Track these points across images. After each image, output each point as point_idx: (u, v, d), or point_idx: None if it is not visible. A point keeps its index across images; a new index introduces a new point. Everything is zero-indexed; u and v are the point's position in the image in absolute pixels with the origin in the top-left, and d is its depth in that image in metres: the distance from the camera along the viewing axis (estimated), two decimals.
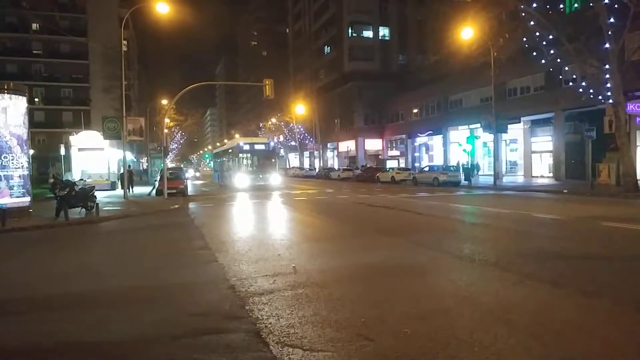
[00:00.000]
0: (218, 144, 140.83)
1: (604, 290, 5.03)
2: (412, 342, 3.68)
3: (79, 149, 25.87)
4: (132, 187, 24.55)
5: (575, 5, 23.41)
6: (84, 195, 13.66)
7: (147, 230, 11.59)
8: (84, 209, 13.66)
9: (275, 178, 27.66)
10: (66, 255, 8.47)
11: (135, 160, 44.62)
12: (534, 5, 19.58)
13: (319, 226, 11.55)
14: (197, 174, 64.36)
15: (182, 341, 3.94)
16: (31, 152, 17.00)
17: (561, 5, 22.85)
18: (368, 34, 58.17)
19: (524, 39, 21.12)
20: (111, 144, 26.02)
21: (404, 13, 56.97)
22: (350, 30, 57.31)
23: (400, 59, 58.59)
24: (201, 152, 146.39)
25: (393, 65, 57.82)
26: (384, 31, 58.47)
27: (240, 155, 27.65)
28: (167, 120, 33.65)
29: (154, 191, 23.02)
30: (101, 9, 51.07)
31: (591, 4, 18.43)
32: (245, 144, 27.87)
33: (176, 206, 17.09)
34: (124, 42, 22.30)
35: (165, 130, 29.12)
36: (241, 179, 26.80)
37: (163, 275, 6.41)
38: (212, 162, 46.37)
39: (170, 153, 55.10)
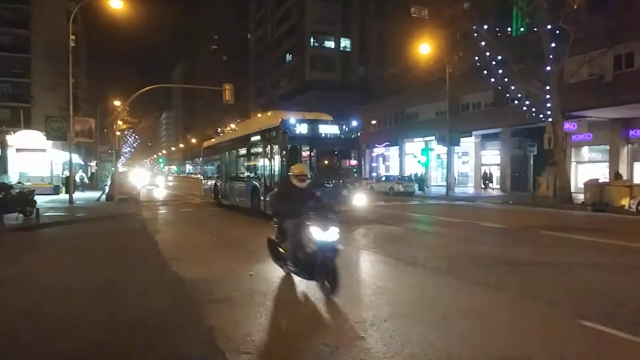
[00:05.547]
0: (173, 148, 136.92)
1: (542, 294, 5.42)
2: (368, 347, 3.80)
3: (17, 150, 24.26)
4: (81, 191, 23.34)
5: (522, 29, 24.98)
6: (22, 200, 12.83)
7: (93, 238, 11.07)
8: (21, 215, 12.84)
9: (360, 198, 13.21)
10: None
11: (83, 163, 42.43)
12: (485, 27, 20.77)
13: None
14: (158, 181, 46.76)
15: (135, 352, 3.83)
16: None
17: (509, 29, 24.39)
18: (330, 44, 59.06)
19: (476, 58, 22.28)
20: (55, 145, 24.64)
21: (365, 26, 58.35)
22: (312, 40, 57.94)
23: (361, 70, 59.84)
24: (155, 156, 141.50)
25: (353, 76, 58.91)
26: (345, 42, 59.58)
27: (289, 144, 12.37)
28: (119, 122, 32.29)
29: (104, 196, 22.05)
30: (47, 1, 48.33)
31: (535, 29, 19.79)
32: (301, 122, 12.71)
33: (128, 212, 16.46)
34: (72, 37, 21.23)
35: (118, 133, 28.01)
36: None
37: (111, 285, 6.15)
38: (204, 164, 24.18)
39: (122, 157, 52.91)
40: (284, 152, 12.19)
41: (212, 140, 25.17)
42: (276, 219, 6.11)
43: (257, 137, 14.59)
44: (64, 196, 22.62)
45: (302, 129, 12.57)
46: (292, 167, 6.16)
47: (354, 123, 13.35)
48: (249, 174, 15.61)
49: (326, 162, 13.54)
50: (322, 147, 13.21)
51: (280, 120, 12.50)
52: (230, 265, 7.25)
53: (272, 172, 13.11)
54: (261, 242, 10.02)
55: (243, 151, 16.46)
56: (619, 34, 17.73)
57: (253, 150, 15.28)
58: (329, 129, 13.03)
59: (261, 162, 14.13)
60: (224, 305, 5.01)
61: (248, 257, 8.08)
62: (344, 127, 13.19)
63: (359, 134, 13.44)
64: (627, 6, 17.26)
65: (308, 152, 13.39)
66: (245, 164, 16.26)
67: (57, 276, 6.78)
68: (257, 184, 14.12)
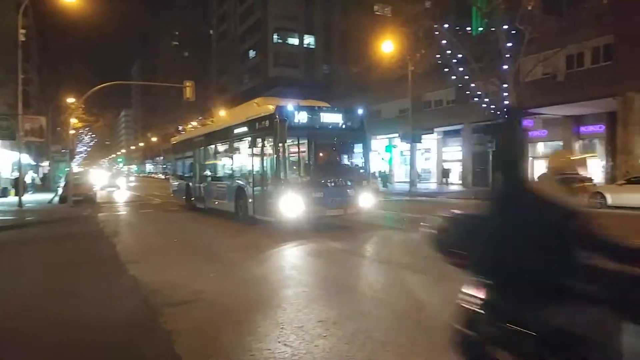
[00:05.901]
0: (132, 147, 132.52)
1: None
2: (330, 347, 3.74)
3: None
4: (32, 193, 22.10)
5: (480, 28, 25.74)
6: None
7: (44, 242, 10.47)
8: None
9: (367, 199, 11.17)
10: None
11: (34, 163, 40.26)
12: (446, 25, 21.25)
13: (241, 235, 11.31)
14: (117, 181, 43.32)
15: (91, 357, 3.61)
16: None
17: (469, 28, 25.07)
18: (293, 41, 58.83)
19: (437, 56, 22.76)
20: (3, 145, 23.24)
21: (329, 23, 58.48)
22: (275, 36, 57.54)
23: (325, 68, 59.96)
24: (113, 155, 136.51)
25: (317, 73, 58.93)
26: (309, 39, 59.51)
27: (288, 135, 10.42)
28: (74, 120, 30.80)
29: (57, 198, 21.00)
30: None
31: (493, 29, 20.43)
32: (301, 109, 10.93)
33: (83, 215, 15.72)
34: (22, 31, 20.00)
35: (72, 132, 26.73)
36: (289, 199, 10.10)
37: (62, 291, 5.82)
38: (173, 162, 21.01)
39: (77, 156, 50.61)
40: (281, 144, 10.07)
41: (183, 135, 22.88)
42: (493, 292, 2.21)
43: (243, 129, 12.34)
44: (13, 199, 21.37)
45: (302, 117, 10.59)
46: (557, 154, 2.59)
47: (360, 111, 11.49)
48: (232, 172, 13.33)
49: (330, 156, 11.54)
50: (325, 139, 11.21)
51: (275, 107, 10.50)
52: (193, 268, 7.02)
53: (264, 170, 11.00)
54: (231, 245, 9.85)
55: (224, 146, 14.08)
56: (570, 35, 18.55)
57: (237, 144, 12.98)
58: (332, 118, 11.17)
59: (249, 158, 11.88)
60: (184, 309, 4.84)
61: (212, 258, 7.87)
62: (349, 115, 11.34)
63: (364, 123, 11.52)
64: (578, 8, 18.08)
65: (309, 145, 11.08)
66: (228, 161, 13.92)
67: (5, 282, 6.33)
68: (244, 184, 12.02)
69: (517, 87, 19.96)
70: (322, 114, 11.03)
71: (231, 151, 13.55)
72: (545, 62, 20.75)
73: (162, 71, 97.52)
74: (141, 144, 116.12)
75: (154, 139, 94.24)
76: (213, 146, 15.18)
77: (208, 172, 15.50)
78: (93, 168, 71.32)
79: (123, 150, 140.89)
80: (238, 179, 12.61)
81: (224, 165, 14.32)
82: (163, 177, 70.79)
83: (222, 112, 40.96)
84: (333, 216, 10.85)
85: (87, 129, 55.77)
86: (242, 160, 12.71)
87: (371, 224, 11.62)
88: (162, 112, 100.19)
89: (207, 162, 15.83)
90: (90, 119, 50.59)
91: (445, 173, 32.59)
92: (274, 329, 4.15)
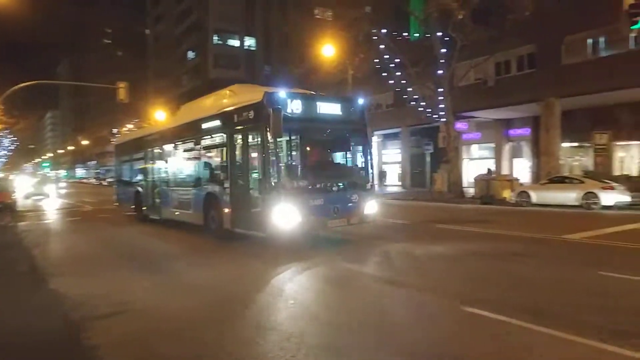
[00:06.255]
0: (61, 151, 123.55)
1: (436, 286, 5.68)
2: (264, 352, 3.65)
3: None
4: None
5: (417, 34, 26.79)
6: None
7: None
8: None
9: (371, 206, 9.20)
10: None
11: None
12: (384, 30, 21.87)
13: (180, 241, 10.84)
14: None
15: None
16: None
17: (406, 33, 26.00)
18: (234, 42, 58.05)
19: (376, 60, 23.35)
20: None
21: (269, 25, 58.27)
22: (215, 38, 56.46)
23: (266, 69, 59.61)
24: (39, 159, 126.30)
25: (259, 75, 58.40)
26: (250, 41, 58.97)
27: (283, 128, 7.99)
28: None
29: None
30: None
31: (428, 35, 21.32)
32: (294, 96, 8.65)
33: (0, 224, 14.28)
34: None
35: None
36: (282, 209, 7.93)
37: None
38: (118, 166, 17.44)
39: None
40: (273, 140, 7.96)
41: (131, 133, 20.17)
42: None
43: (216, 123, 10.12)
44: None
45: (296, 106, 8.42)
46: None
47: (361, 101, 9.63)
48: (200, 176, 10.85)
49: (329, 155, 9.81)
50: (323, 134, 9.31)
51: (264, 94, 8.33)
52: (122, 278, 6.57)
53: (248, 172, 9.00)
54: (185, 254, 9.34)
55: (189, 145, 11.59)
56: (497, 43, 19.80)
57: (208, 142, 10.65)
58: (331, 108, 9.16)
59: (225, 158, 9.80)
60: (110, 322, 4.50)
61: (147, 267, 7.42)
62: (350, 105, 9.46)
63: (365, 115, 9.73)
64: (503, 19, 19.33)
65: (304, 142, 8.89)
66: (194, 162, 11.40)
67: None
68: (217, 191, 9.78)
69: (452, 92, 20.94)
70: (319, 104, 9.01)
71: (199, 150, 11.08)
72: (476, 68, 21.97)
73: (94, 71, 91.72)
74: (71, 148, 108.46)
75: (85, 142, 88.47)
76: (173, 145, 12.49)
77: (166, 177, 12.86)
78: (14, 174, 65.54)
79: (50, 155, 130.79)
80: (208, 184, 10.34)
81: (189, 167, 11.76)
82: (96, 182, 66.51)
83: (159, 114, 38.79)
84: (334, 228, 8.90)
85: (6, 131, 51.24)
86: (215, 161, 10.50)
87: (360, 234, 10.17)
88: (95, 114, 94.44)
89: (164, 165, 13.06)
90: (10, 121, 46.57)
91: (381, 175, 33.62)
92: (207, 337, 3.98)
